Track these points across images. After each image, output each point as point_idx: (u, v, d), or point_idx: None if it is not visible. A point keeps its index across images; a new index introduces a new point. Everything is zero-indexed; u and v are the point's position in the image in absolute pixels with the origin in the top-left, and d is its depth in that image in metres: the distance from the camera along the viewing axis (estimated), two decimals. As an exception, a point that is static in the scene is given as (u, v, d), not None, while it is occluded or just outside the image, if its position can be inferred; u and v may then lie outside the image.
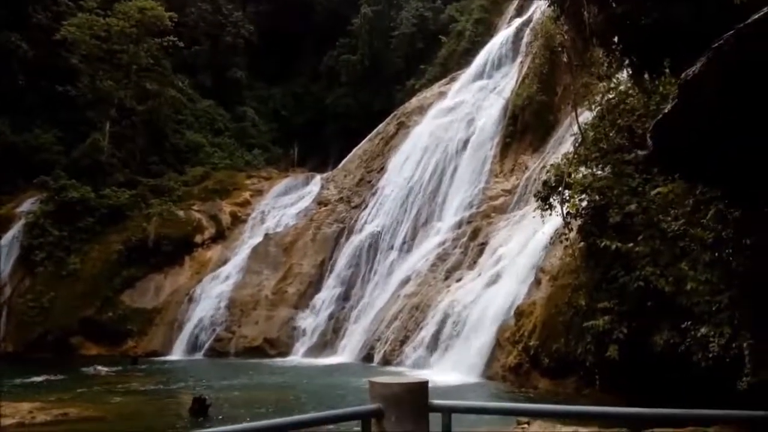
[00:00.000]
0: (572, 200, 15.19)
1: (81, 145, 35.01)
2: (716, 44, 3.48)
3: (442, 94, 35.65)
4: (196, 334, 28.22)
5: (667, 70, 8.41)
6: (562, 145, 23.98)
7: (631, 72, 10.20)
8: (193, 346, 27.95)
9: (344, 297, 28.08)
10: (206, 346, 27.74)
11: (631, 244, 13.28)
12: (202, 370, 24.09)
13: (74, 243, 31.54)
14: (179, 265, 31.37)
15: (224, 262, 31.36)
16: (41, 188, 33.01)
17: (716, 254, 7.84)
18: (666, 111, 3.94)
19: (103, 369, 23.38)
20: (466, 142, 30.28)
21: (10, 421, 13.77)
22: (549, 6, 12.29)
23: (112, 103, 36.18)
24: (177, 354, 27.79)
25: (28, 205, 32.88)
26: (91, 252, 31.42)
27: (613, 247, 13.55)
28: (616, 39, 9.70)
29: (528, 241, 21.65)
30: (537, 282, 19.47)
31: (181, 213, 32.92)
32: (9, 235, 31.79)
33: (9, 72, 34.91)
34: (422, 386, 3.44)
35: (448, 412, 3.48)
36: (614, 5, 8.44)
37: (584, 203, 15.26)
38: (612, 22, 9.15)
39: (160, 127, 38.41)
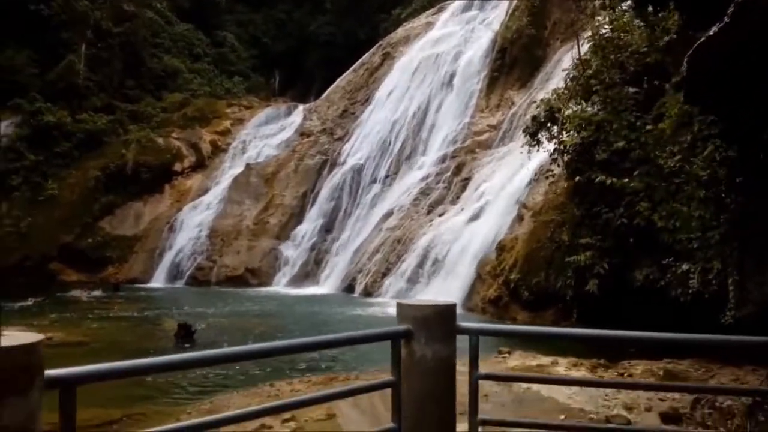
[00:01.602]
0: (569, 135, 15.15)
1: (56, 67, 33.84)
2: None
3: (429, 25, 34.86)
4: (177, 263, 28.23)
5: (672, 3, 8.27)
6: (550, 81, 23.75)
7: (633, 4, 10.04)
8: (174, 275, 28.00)
9: (326, 229, 28.15)
10: (187, 274, 27.81)
11: (626, 179, 13.35)
12: (183, 297, 24.19)
13: (51, 168, 30.99)
14: (159, 193, 31.05)
15: (205, 191, 31.09)
16: (16, 111, 32.06)
17: (711, 191, 7.92)
18: (711, 33, 3.82)
19: (84, 294, 23.38)
20: (452, 76, 29.85)
21: (-8, 343, 13.73)
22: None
23: (88, 24, 34.82)
24: (158, 282, 27.84)
25: (3, 128, 31.94)
26: (68, 178, 30.91)
27: (608, 182, 13.60)
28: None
29: (512, 177, 21.72)
30: (519, 217, 19.65)
31: (160, 140, 32.34)
32: (-17, 158, 31.05)
33: (-23, -12, 33.26)
34: (451, 309, 3.48)
35: (475, 334, 3.54)
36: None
37: (578, 139, 15.23)
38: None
39: (137, 50, 37.18)
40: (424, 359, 3.31)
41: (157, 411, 9.21)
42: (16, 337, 1.94)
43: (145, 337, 16.52)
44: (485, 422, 3.64)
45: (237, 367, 11.68)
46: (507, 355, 11.90)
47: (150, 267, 28.59)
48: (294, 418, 7.49)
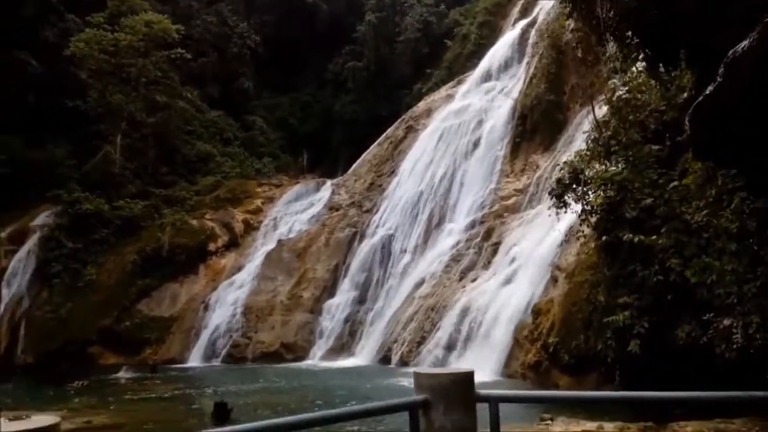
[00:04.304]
0: (595, 194, 15.25)
1: (93, 158, 35.37)
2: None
3: (449, 97, 35.80)
4: (213, 341, 28.39)
5: (683, 62, 8.52)
6: (573, 143, 24.06)
7: (645, 65, 10.33)
8: (211, 353, 28.11)
9: (359, 300, 28.20)
10: (223, 352, 27.90)
11: (654, 237, 13.30)
12: (220, 376, 24.21)
13: (89, 254, 31.87)
14: (194, 274, 31.60)
15: (239, 269, 31.56)
16: (55, 202, 33.38)
17: (742, 244, 7.90)
18: (707, 92, 4.01)
19: (123, 376, 23.58)
20: (475, 144, 30.41)
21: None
22: (561, 3, 12.42)
23: (123, 116, 36.53)
24: (195, 361, 27.96)
25: (43, 218, 33.24)
26: (106, 263, 31.72)
27: (636, 240, 13.55)
28: (629, 33, 9.81)
29: (542, 240, 21.71)
30: (553, 279, 19.51)
31: (194, 222, 33.19)
32: (25, 248, 32.17)
33: (20, 89, 35.35)
34: (468, 376, 3.40)
35: (495, 401, 3.41)
36: (626, -2, 8.54)
37: (601, 198, 15.31)
38: (625, 15, 9.26)
39: (170, 138, 38.72)
40: (444, 430, 3.20)
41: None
42: (35, 421, 2.01)
43: (182, 417, 16.53)
44: None
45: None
46: (550, 422, 11.60)
47: (186, 347, 28.79)
48: None
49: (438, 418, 3.20)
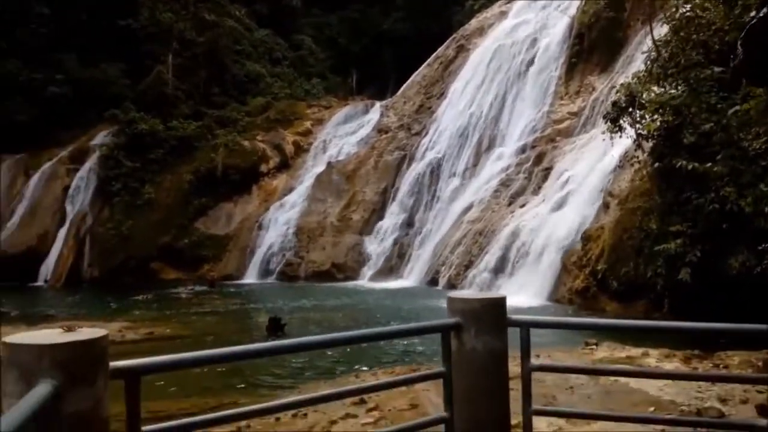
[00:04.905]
0: (646, 121, 14.83)
1: (146, 78, 35.86)
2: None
3: (503, 14, 34.53)
4: (267, 259, 29.45)
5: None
6: (632, 64, 23.12)
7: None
8: (265, 271, 29.23)
9: (408, 223, 28.56)
10: (277, 270, 28.96)
11: (709, 164, 12.97)
12: (274, 292, 25.25)
13: (147, 173, 32.92)
14: (247, 194, 32.45)
15: (289, 190, 32.21)
16: (112, 122, 34.28)
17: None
18: (762, 14, 3.83)
19: (183, 291, 24.87)
20: (529, 64, 29.50)
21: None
22: None
23: (173, 35, 36.63)
24: (250, 278, 29.15)
25: (101, 137, 34.27)
26: (163, 182, 32.77)
27: (690, 167, 13.25)
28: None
29: (595, 165, 21.35)
30: (605, 206, 19.32)
31: (246, 143, 33.73)
32: (86, 167, 33.42)
33: (72, 8, 35.66)
34: (500, 301, 3.48)
35: (526, 326, 3.47)
36: None
37: (657, 123, 14.87)
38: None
39: (220, 58, 38.75)
40: (474, 351, 3.31)
41: (250, 401, 9.81)
42: (84, 332, 2.13)
43: (239, 330, 17.44)
44: (538, 413, 3.60)
45: (328, 359, 12.28)
46: (594, 346, 11.82)
47: (242, 264, 29.97)
48: (378, 407, 7.72)
49: (469, 341, 3.31)
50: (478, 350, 3.32)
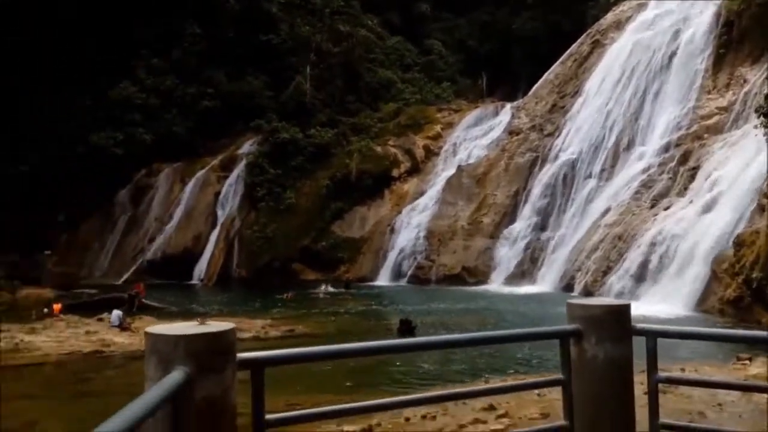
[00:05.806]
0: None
1: (286, 89, 37.99)
2: None
3: (641, 6, 32.77)
4: (399, 262, 30.07)
5: None
6: (791, 52, 21.05)
7: None
8: (397, 273, 29.86)
9: (540, 227, 27.89)
10: (409, 273, 29.47)
11: None
12: (405, 295, 25.72)
13: (288, 179, 34.93)
14: (380, 198, 33.42)
15: (420, 194, 32.65)
16: (257, 131, 36.73)
17: None
18: None
19: (321, 291, 26.07)
20: (671, 57, 27.73)
21: (247, 335, 15.87)
22: None
23: (311, 47, 38.50)
24: (383, 280, 29.92)
25: (247, 146, 36.86)
26: (303, 188, 34.58)
27: None
28: None
29: (748, 164, 19.67)
30: (760, 208, 17.78)
31: (378, 149, 34.72)
32: (234, 174, 36.10)
33: (220, 26, 38.64)
34: (624, 308, 3.31)
35: (653, 335, 3.27)
36: None
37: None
38: None
39: (354, 67, 40.15)
40: (595, 359, 3.20)
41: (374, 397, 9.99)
42: (214, 326, 2.29)
43: (371, 330, 17.94)
44: (666, 427, 3.41)
45: (458, 363, 12.32)
46: (747, 362, 10.92)
47: (375, 266, 30.83)
48: (508, 414, 7.69)
49: (590, 348, 3.20)
50: (600, 358, 3.21)
